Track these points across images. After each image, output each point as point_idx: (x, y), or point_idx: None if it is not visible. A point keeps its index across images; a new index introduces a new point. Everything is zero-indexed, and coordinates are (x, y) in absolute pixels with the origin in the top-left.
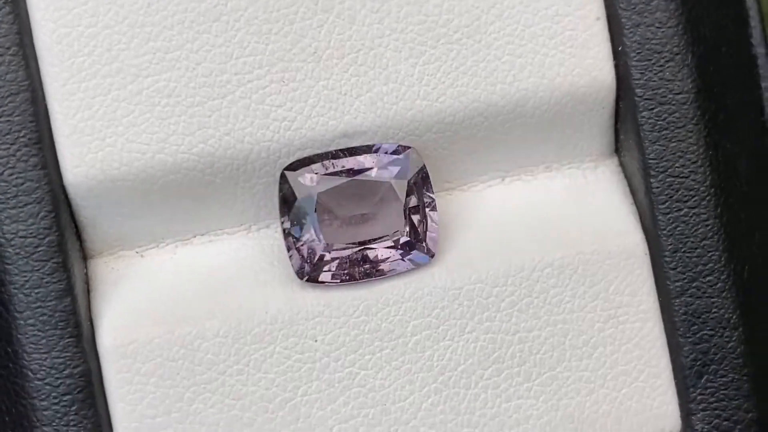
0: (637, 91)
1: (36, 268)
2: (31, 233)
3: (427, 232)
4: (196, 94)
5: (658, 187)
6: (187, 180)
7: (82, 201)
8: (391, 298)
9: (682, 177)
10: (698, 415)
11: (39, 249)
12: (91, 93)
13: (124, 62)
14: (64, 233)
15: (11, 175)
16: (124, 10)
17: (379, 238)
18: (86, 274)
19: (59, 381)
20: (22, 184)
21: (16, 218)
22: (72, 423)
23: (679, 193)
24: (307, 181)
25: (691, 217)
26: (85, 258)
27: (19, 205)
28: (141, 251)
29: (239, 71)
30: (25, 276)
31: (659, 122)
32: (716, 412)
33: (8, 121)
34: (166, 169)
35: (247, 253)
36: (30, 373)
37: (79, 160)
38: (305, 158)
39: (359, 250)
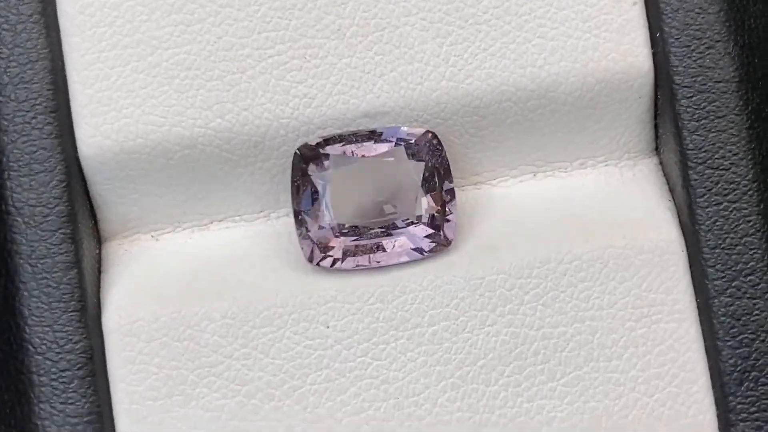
0: (676, 78)
1: (44, 238)
2: (41, 202)
3: (446, 219)
4: (215, 68)
5: (696, 179)
6: (203, 156)
7: (97, 175)
8: (408, 286)
9: (722, 169)
10: (738, 426)
11: (48, 218)
12: (110, 64)
13: (145, 34)
14: (74, 204)
15: (25, 142)
16: None
17: (394, 224)
18: (99, 254)
19: (59, 356)
20: (35, 152)
21: (27, 186)
22: (70, 401)
23: (719, 186)
24: (321, 161)
25: (732, 211)
26: (100, 241)
27: (31, 173)
28: (156, 235)
29: (261, 46)
30: (32, 246)
31: (698, 111)
32: (758, 423)
33: (26, 88)
34: (183, 143)
35: (263, 239)
36: (30, 347)
37: (95, 130)
38: (321, 139)
39: (373, 234)
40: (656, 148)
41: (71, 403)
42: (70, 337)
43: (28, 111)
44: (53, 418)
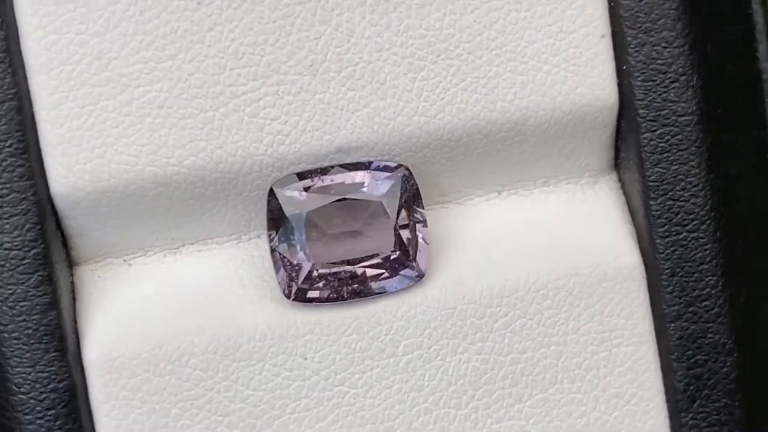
0: (640, 111)
1: (21, 281)
2: (16, 245)
3: (418, 251)
4: (188, 106)
5: (657, 210)
6: (177, 193)
7: (70, 211)
8: (382, 317)
9: (683, 201)
10: None
11: (24, 261)
12: (79, 102)
13: (114, 71)
14: (50, 245)
15: None
16: (115, 17)
17: (369, 256)
18: (72, 282)
19: (44, 395)
20: (8, 195)
21: (2, 229)
22: None
23: (679, 216)
24: (296, 197)
25: (690, 241)
26: (71, 265)
27: (5, 216)
28: (129, 260)
29: (233, 83)
30: (9, 289)
31: (661, 144)
32: None
33: None
34: (156, 181)
35: (237, 265)
36: (14, 387)
37: (67, 170)
38: (295, 174)
39: (348, 269)
40: (615, 165)
41: None
42: (53, 376)
43: None
44: None
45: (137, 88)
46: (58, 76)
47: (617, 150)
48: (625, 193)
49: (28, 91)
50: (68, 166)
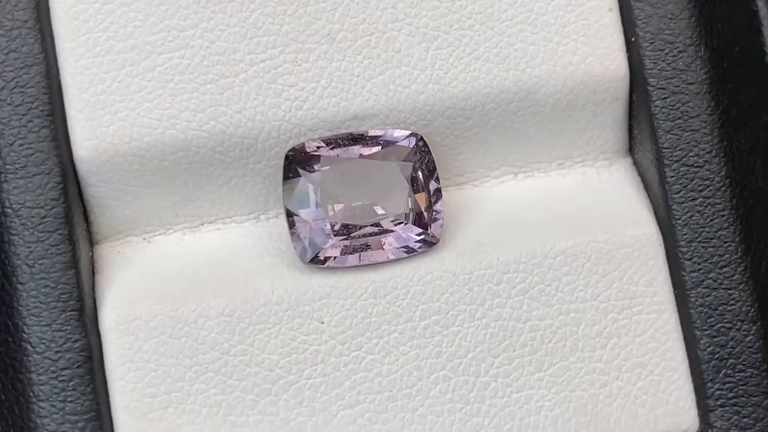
0: (650, 80)
1: (41, 239)
2: (38, 204)
3: (433, 217)
4: (208, 72)
5: (672, 176)
6: (197, 158)
7: (92, 177)
8: (399, 282)
9: (697, 167)
10: (716, 412)
11: (45, 220)
12: (104, 68)
13: (139, 39)
14: (71, 206)
15: (21, 145)
16: None
17: (385, 221)
18: (92, 257)
19: (59, 355)
20: (32, 154)
21: (24, 188)
22: (69, 399)
23: (694, 182)
24: (312, 163)
25: (707, 207)
26: (92, 243)
27: (28, 176)
28: (148, 237)
29: (252, 51)
30: (29, 247)
31: (673, 111)
32: (735, 408)
33: (21, 92)
34: (177, 145)
35: (255, 240)
36: (29, 347)
37: (90, 133)
38: (311, 140)
39: (363, 233)
40: (630, 149)
41: (70, 401)
42: (69, 336)
43: (24, 115)
44: (53, 416)
45: (160, 55)
46: (85, 43)
47: (631, 133)
48: (639, 174)
49: (55, 58)
50: (92, 129)
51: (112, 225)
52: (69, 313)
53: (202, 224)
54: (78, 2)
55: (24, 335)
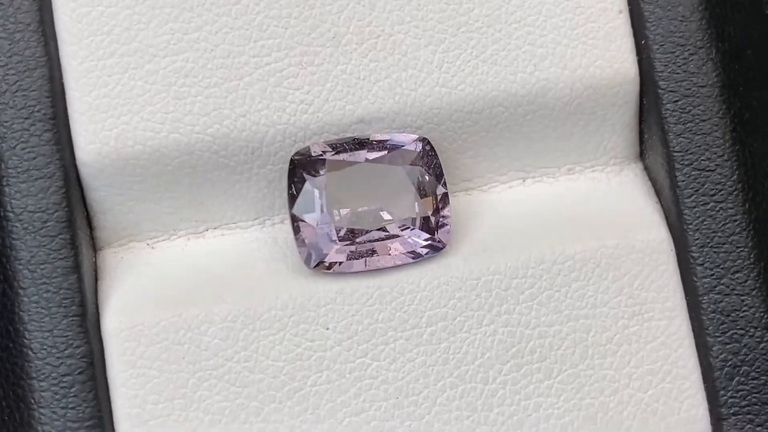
0: (661, 83)
1: (43, 244)
2: (40, 208)
3: (440, 222)
4: (213, 75)
5: (683, 181)
6: (201, 162)
7: (94, 181)
8: (405, 287)
9: (708, 170)
10: (730, 420)
11: (47, 224)
12: (107, 72)
13: (142, 42)
14: (73, 210)
15: (24, 149)
16: None
17: (391, 226)
18: (95, 263)
19: (60, 361)
20: (34, 158)
21: (26, 192)
22: (71, 406)
23: (706, 186)
24: (317, 167)
25: (719, 211)
26: (95, 249)
27: (30, 180)
28: (152, 243)
29: (257, 54)
30: (31, 251)
31: (684, 115)
32: (749, 416)
33: (24, 95)
34: (180, 149)
35: (259, 245)
36: (30, 353)
37: (93, 136)
38: (316, 144)
39: (369, 238)
40: (641, 154)
41: (72, 408)
42: (71, 341)
43: (26, 118)
44: (54, 423)
45: (164, 58)
46: (88, 46)
47: (641, 137)
48: (650, 179)
49: (58, 61)
50: (94, 132)
51: (115, 230)
52: (71, 319)
53: (207, 230)
54: (81, 5)
55: (25, 341)
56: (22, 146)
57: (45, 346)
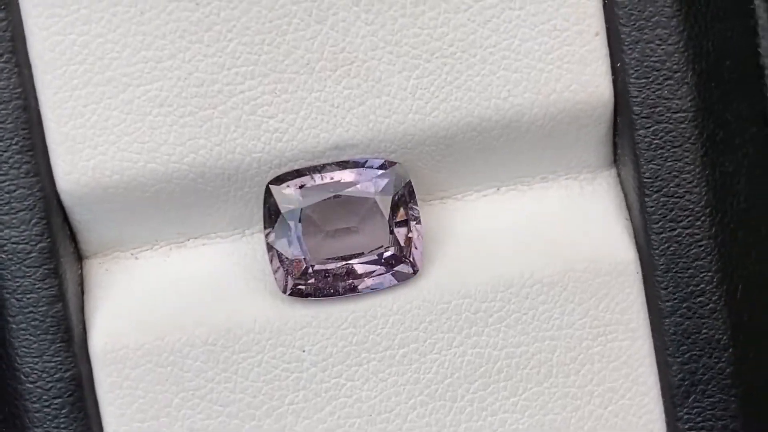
0: (635, 108)
1: (28, 274)
2: (23, 239)
3: (412, 247)
4: (187, 104)
5: (652, 207)
6: (178, 189)
7: (75, 207)
8: (378, 311)
9: (677, 197)
10: None
11: (31, 255)
12: (83, 101)
13: (116, 71)
14: (56, 240)
15: (3, 181)
16: (117, 18)
17: (364, 252)
18: (81, 274)
19: (50, 384)
20: (15, 190)
21: (9, 224)
22: (62, 425)
23: (673, 213)
24: (292, 194)
25: (685, 237)
26: (80, 258)
27: (12, 212)
28: (136, 253)
29: (231, 81)
30: (17, 281)
31: (655, 141)
32: (702, 431)
33: (1, 128)
34: (157, 178)
35: (239, 258)
36: (22, 376)
37: (71, 167)
38: (291, 171)
39: (343, 265)
40: (615, 161)
41: (63, 428)
42: (59, 366)
43: (4, 151)
44: None
45: (138, 87)
46: (62, 76)
47: (615, 146)
48: (623, 189)
49: (34, 90)
50: (72, 163)
51: (100, 243)
52: (58, 345)
53: (188, 239)
54: (53, 33)
55: (17, 365)
56: (2, 179)
57: (35, 371)
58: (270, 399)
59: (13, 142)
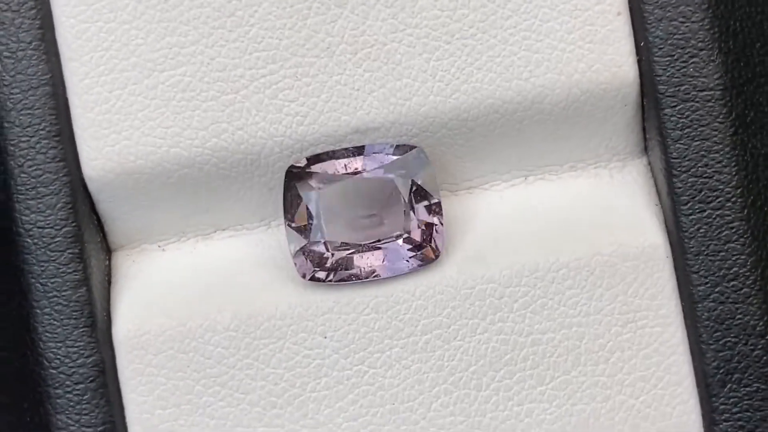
0: (660, 87)
1: (53, 258)
2: (48, 224)
3: (434, 232)
4: (210, 89)
5: (680, 188)
6: (202, 174)
7: (101, 194)
8: (401, 297)
9: (706, 177)
10: (721, 426)
11: (56, 239)
12: (108, 87)
13: (141, 57)
14: (81, 225)
15: (31, 166)
16: (142, 5)
17: (385, 238)
18: (108, 266)
19: (73, 370)
20: (41, 175)
21: (35, 209)
22: (84, 411)
23: (702, 193)
24: (312, 180)
25: (715, 218)
26: (109, 251)
27: (38, 197)
28: (163, 245)
29: (253, 66)
30: (42, 266)
31: (682, 120)
32: (740, 423)
33: (29, 114)
34: (181, 162)
35: (264, 249)
36: (45, 362)
37: (97, 153)
38: (312, 156)
39: (364, 250)
40: (645, 149)
41: (86, 414)
42: (82, 351)
43: (32, 136)
44: (69, 428)
45: (162, 73)
46: (89, 63)
47: (645, 133)
48: (653, 176)
49: (61, 77)
50: (98, 149)
51: (127, 234)
52: (81, 330)
53: (215, 231)
54: (81, 21)
55: (40, 350)
56: (29, 164)
57: (58, 356)
58: (291, 386)
59: (41, 128)
